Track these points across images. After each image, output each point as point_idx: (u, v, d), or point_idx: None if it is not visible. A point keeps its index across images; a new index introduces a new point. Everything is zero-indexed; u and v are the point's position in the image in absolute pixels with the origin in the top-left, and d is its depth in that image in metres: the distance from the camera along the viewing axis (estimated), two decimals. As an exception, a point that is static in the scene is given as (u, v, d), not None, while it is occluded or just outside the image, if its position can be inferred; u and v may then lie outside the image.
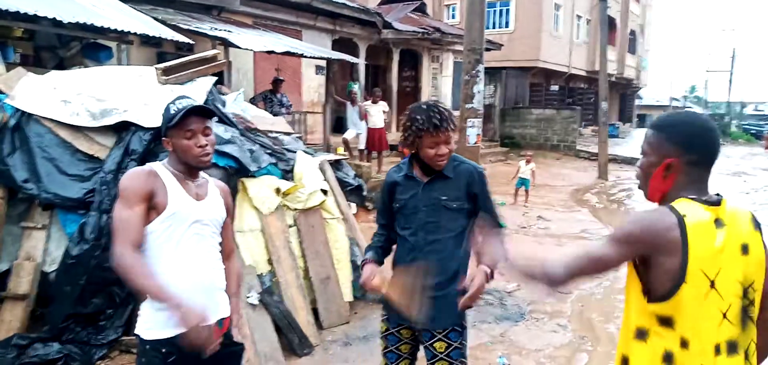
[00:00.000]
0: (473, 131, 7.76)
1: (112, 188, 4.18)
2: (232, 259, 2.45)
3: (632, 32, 33.11)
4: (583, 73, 28.21)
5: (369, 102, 12.02)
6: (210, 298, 2.21)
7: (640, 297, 1.67)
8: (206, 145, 2.17)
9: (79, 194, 4.26)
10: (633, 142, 27.22)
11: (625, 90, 35.98)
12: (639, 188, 1.80)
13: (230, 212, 2.41)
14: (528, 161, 11.97)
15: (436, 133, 2.45)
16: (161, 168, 2.20)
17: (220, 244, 2.34)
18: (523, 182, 11.88)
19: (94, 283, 4.06)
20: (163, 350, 2.11)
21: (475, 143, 7.88)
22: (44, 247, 4.27)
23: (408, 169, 2.64)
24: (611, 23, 27.15)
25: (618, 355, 1.77)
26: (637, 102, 41.04)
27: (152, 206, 2.12)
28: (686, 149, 1.66)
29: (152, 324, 2.13)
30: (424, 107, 2.51)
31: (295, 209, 5.00)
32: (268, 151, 5.09)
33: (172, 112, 2.14)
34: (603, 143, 17.10)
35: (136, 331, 2.17)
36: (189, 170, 2.21)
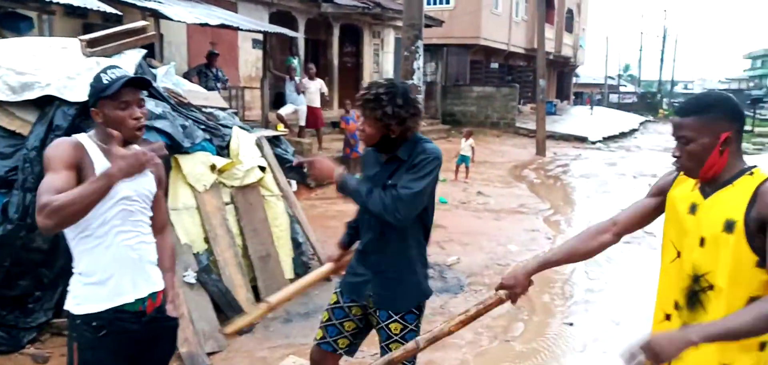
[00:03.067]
0: (414, 107, 7.77)
1: (36, 166, 3.98)
2: (164, 233, 2.40)
3: (569, 11, 33.90)
4: (522, 52, 28.75)
5: (306, 79, 11.86)
6: (139, 273, 2.16)
7: (754, 270, 1.73)
8: (141, 117, 2.11)
9: (0, 173, 4.03)
10: (571, 119, 28.05)
11: (562, 68, 36.91)
12: (685, 171, 1.86)
13: (163, 185, 2.35)
14: (467, 137, 12.14)
15: (359, 108, 2.48)
16: (87, 141, 2.11)
17: (152, 218, 2.27)
18: (463, 158, 12.05)
19: (20, 264, 3.89)
20: (94, 323, 2.06)
21: (416, 119, 7.90)
22: (-37, 228, 4.03)
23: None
24: (549, 2, 27.67)
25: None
26: (574, 80, 42.24)
27: (79, 181, 2.03)
28: (736, 121, 1.79)
29: (82, 298, 2.09)
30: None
31: (232, 186, 4.90)
32: (202, 126, 4.95)
33: (105, 82, 2.05)
34: (541, 120, 17.53)
35: (65, 307, 2.12)
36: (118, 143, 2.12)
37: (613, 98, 46.21)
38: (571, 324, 4.94)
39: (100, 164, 2.07)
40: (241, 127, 5.49)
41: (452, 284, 5.72)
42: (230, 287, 4.45)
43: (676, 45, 53.83)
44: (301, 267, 5.55)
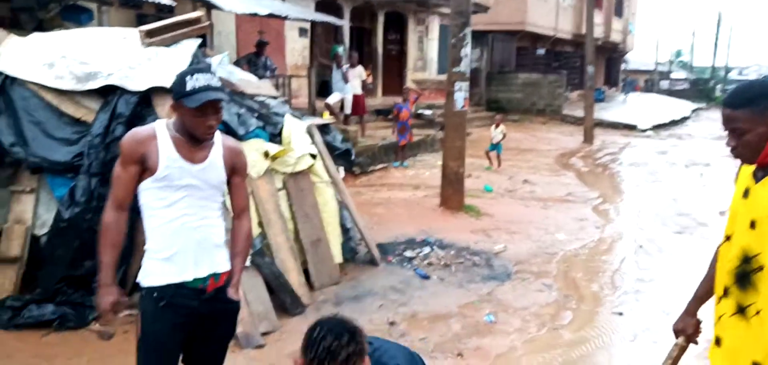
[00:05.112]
0: (460, 95, 7.76)
1: (100, 152, 4.18)
2: (241, 218, 2.49)
3: (619, -5, 33.01)
4: (570, 37, 28.14)
5: (349, 66, 11.95)
6: (203, 253, 2.29)
7: None
8: (214, 125, 2.24)
9: (66, 158, 4.25)
10: (620, 107, 27.41)
11: (611, 54, 35.98)
12: (741, 158, 1.89)
13: (240, 172, 2.44)
14: (497, 125, 11.94)
15: None
16: (162, 129, 2.25)
17: (224, 203, 2.42)
18: (494, 146, 11.89)
19: (86, 246, 4.07)
20: (155, 295, 2.23)
21: (463, 108, 7.89)
22: (34, 210, 4.27)
23: None
24: (597, -14, 27.02)
25: None
26: (623, 66, 41.12)
27: (146, 167, 2.21)
28: None
29: (148, 271, 2.27)
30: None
31: (284, 173, 5.02)
32: (256, 115, 5.08)
33: (188, 88, 2.16)
34: (589, 107, 17.21)
35: (137, 279, 2.29)
36: (194, 136, 2.26)
37: (664, 84, 44.84)
38: (620, 314, 4.89)
39: (168, 153, 2.21)
40: (291, 115, 5.60)
41: (499, 271, 5.73)
42: (283, 270, 4.58)
43: (732, 29, 51.68)
44: (350, 252, 5.66)
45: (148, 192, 2.23)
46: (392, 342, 2.13)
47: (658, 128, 21.95)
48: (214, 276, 2.32)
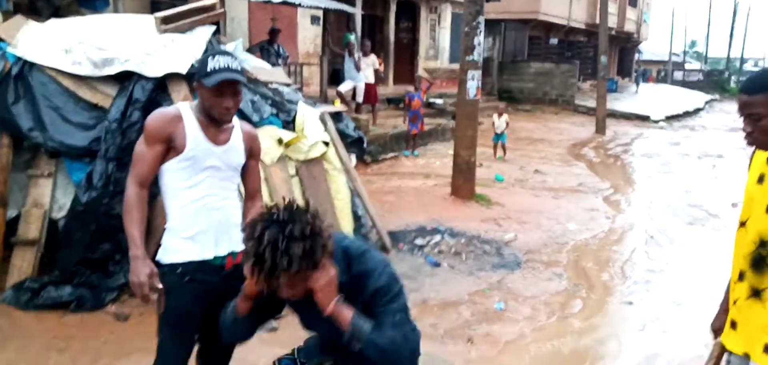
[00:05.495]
0: (473, 84, 7.77)
1: (117, 137, 4.24)
2: (255, 200, 2.58)
3: (633, -15, 32.70)
4: (583, 27, 27.95)
5: (361, 55, 11.95)
6: (222, 232, 2.36)
7: None
8: (232, 106, 2.29)
9: (84, 143, 4.32)
10: (633, 97, 27.21)
11: (625, 44, 35.71)
12: (758, 145, 1.94)
13: (256, 156, 2.53)
14: (500, 114, 11.85)
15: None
16: (187, 111, 2.32)
17: (245, 185, 2.51)
18: (498, 136, 11.84)
19: (102, 230, 4.15)
20: (179, 270, 2.29)
21: (475, 97, 7.90)
22: (51, 194, 4.35)
23: None
24: (612, -25, 26.77)
25: None
26: (637, 56, 40.77)
27: (172, 147, 2.27)
28: None
29: (170, 249, 2.32)
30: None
31: (297, 160, 5.06)
32: (269, 102, 5.12)
33: (209, 69, 2.22)
34: (601, 97, 17.12)
35: (157, 258, 2.32)
36: (212, 117, 2.32)
37: (678, 75, 44.43)
38: (630, 303, 4.91)
39: (194, 134, 2.28)
40: (304, 102, 5.64)
41: (509, 260, 5.76)
42: (295, 256, 4.63)
43: (748, 20, 50.87)
44: (361, 239, 5.70)
45: (171, 172, 2.29)
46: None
47: (671, 119, 21.80)
48: (232, 254, 2.39)
